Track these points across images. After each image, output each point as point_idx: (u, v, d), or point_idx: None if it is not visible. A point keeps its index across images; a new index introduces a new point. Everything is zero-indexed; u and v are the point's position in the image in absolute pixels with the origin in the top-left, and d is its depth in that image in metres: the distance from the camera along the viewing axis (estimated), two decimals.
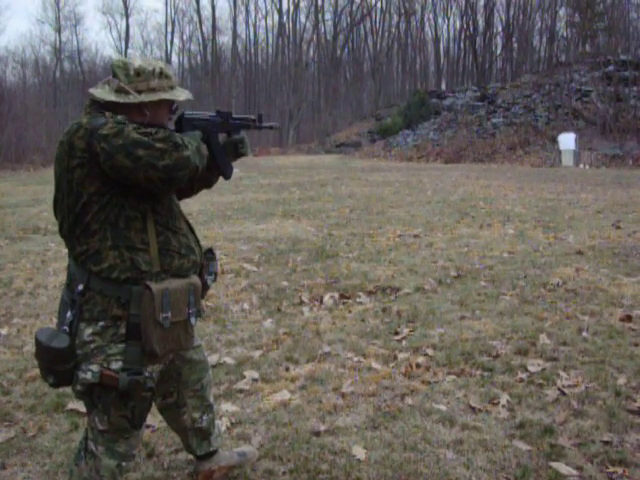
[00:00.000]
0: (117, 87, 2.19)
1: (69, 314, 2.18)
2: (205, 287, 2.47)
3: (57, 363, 2.15)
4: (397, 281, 6.17)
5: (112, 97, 2.19)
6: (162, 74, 2.25)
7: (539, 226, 9.35)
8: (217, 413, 3.26)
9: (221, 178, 2.57)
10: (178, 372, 2.52)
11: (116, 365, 2.15)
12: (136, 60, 2.25)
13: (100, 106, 2.22)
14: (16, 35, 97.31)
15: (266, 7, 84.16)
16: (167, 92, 2.26)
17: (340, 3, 59.67)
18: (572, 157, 24.55)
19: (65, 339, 2.14)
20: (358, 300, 5.59)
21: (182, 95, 2.32)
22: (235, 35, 61.13)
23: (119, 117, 2.15)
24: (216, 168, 2.47)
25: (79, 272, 2.18)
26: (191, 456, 2.84)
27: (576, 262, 6.79)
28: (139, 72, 2.20)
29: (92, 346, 2.15)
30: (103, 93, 2.21)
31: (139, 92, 2.20)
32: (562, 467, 2.81)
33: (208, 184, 2.57)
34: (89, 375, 2.14)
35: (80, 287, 2.17)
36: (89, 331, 2.15)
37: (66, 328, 2.18)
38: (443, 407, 3.45)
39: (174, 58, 64.80)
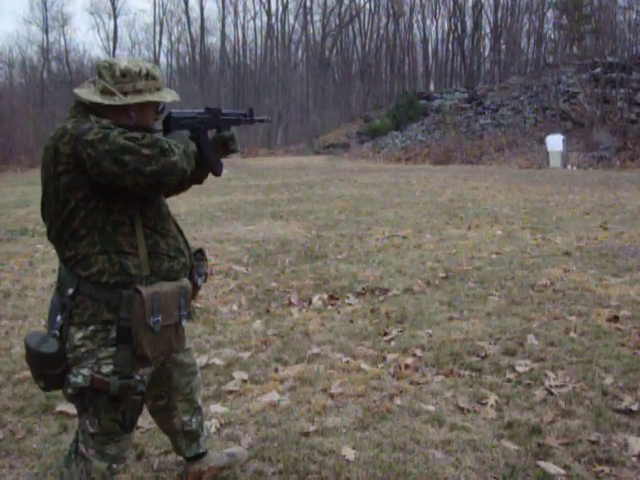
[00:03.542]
0: (102, 88, 2.16)
1: (59, 318, 2.17)
2: (195, 288, 2.46)
3: (46, 368, 2.14)
4: (386, 282, 6.18)
5: (97, 98, 2.16)
6: (149, 75, 2.22)
7: (527, 227, 9.39)
8: (206, 414, 3.27)
9: (210, 175, 2.54)
10: (169, 376, 2.51)
11: (107, 369, 2.14)
12: (122, 61, 2.22)
13: (85, 107, 2.20)
14: (3, 35, 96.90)
15: (255, 8, 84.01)
16: (153, 94, 2.24)
17: (329, 4, 59.84)
18: (560, 158, 24.62)
19: (54, 344, 2.13)
20: (347, 301, 5.60)
21: (168, 96, 2.29)
22: (224, 36, 61.14)
23: (104, 121, 2.12)
24: (206, 165, 2.45)
25: (69, 276, 2.18)
26: (180, 457, 2.84)
27: (564, 263, 6.84)
28: (125, 73, 2.17)
29: (83, 350, 2.15)
30: (88, 93, 2.18)
31: (125, 93, 2.17)
32: (550, 466, 2.84)
33: (198, 180, 2.55)
34: (80, 379, 2.13)
35: (70, 291, 2.16)
36: (79, 335, 2.15)
37: (56, 332, 2.16)
38: (432, 407, 3.46)
39: (162, 59, 64.70)
